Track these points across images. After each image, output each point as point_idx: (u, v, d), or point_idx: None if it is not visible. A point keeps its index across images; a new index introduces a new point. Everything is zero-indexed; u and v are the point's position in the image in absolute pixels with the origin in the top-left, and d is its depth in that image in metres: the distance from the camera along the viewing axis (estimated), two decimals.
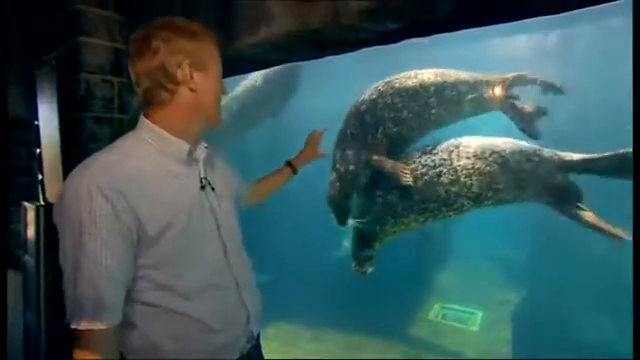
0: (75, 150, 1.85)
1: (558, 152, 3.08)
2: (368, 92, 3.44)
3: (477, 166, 3.05)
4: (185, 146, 1.04)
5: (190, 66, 1.02)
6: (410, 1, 1.21)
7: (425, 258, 6.86)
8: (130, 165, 0.96)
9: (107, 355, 0.91)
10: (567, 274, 5.02)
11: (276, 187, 1.62)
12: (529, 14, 1.25)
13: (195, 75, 1.03)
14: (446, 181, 3.08)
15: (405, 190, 3.17)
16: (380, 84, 3.42)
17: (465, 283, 6.86)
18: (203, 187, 1.07)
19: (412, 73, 3.39)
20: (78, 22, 1.76)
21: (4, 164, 2.48)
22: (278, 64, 1.87)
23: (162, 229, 0.95)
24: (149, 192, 0.95)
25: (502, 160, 3.05)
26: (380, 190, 3.32)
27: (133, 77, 1.04)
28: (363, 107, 3.38)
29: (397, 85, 3.33)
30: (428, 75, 3.35)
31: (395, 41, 1.48)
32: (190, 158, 1.06)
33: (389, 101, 3.29)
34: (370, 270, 3.64)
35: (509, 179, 3.04)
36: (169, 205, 0.98)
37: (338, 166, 3.44)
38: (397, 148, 3.35)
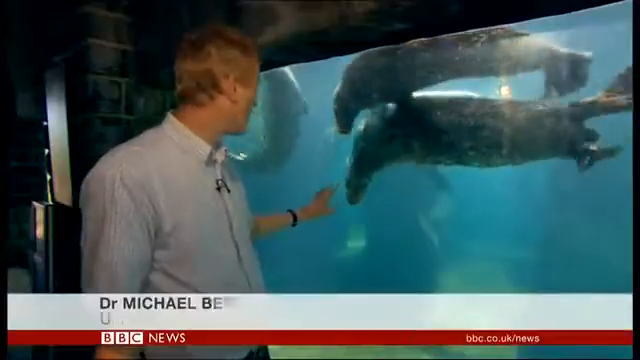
0: (83, 150, 1.87)
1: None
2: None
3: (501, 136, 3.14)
4: (207, 148, 1.07)
5: (235, 80, 1.06)
6: (417, 2, 1.21)
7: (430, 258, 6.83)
8: (152, 159, 0.99)
9: None
10: (575, 277, 4.97)
11: (268, 231, 1.53)
12: (537, 14, 1.24)
13: (238, 89, 1.07)
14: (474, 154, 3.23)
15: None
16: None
17: (471, 284, 6.82)
18: (219, 188, 1.09)
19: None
20: (86, 24, 1.78)
21: (14, 164, 2.51)
22: (285, 65, 1.88)
23: (176, 224, 0.98)
24: (168, 187, 0.98)
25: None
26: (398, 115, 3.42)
27: (177, 74, 1.08)
28: (399, 52, 3.28)
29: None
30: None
31: (402, 41, 1.47)
32: (210, 160, 1.09)
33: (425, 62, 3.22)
34: (362, 199, 3.84)
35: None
36: (185, 202, 1.00)
37: (352, 72, 3.49)
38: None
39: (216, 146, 1.11)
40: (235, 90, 1.06)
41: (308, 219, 1.63)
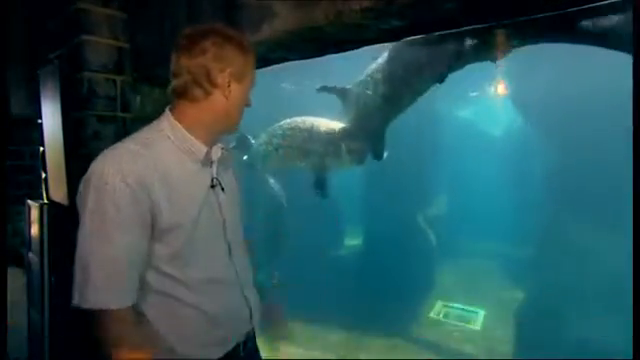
0: (78, 149, 1.85)
1: None
2: None
3: None
4: (203, 149, 1.10)
5: (231, 75, 1.08)
6: None
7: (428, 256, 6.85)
8: (152, 157, 1.01)
9: (124, 333, 0.95)
10: (571, 274, 5.00)
11: None
12: (533, 11, 1.24)
13: (232, 84, 1.09)
14: None
15: None
16: None
17: (468, 282, 6.85)
18: (213, 186, 1.12)
19: None
20: (81, 20, 1.76)
21: (8, 163, 2.49)
22: (281, 62, 1.87)
23: (174, 222, 1.01)
24: (167, 185, 1.01)
25: None
26: None
27: (173, 69, 1.09)
28: None
29: None
30: None
31: (398, 39, 1.48)
32: (206, 160, 1.11)
33: None
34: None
35: None
36: (183, 200, 1.03)
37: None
38: None
39: (212, 144, 1.13)
40: (229, 86, 1.08)
41: None
